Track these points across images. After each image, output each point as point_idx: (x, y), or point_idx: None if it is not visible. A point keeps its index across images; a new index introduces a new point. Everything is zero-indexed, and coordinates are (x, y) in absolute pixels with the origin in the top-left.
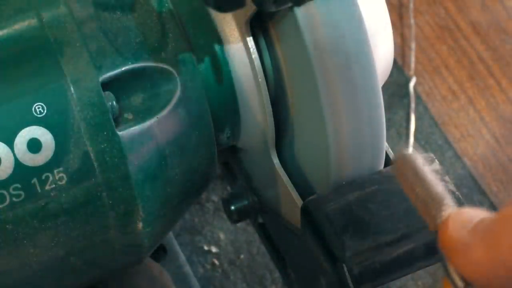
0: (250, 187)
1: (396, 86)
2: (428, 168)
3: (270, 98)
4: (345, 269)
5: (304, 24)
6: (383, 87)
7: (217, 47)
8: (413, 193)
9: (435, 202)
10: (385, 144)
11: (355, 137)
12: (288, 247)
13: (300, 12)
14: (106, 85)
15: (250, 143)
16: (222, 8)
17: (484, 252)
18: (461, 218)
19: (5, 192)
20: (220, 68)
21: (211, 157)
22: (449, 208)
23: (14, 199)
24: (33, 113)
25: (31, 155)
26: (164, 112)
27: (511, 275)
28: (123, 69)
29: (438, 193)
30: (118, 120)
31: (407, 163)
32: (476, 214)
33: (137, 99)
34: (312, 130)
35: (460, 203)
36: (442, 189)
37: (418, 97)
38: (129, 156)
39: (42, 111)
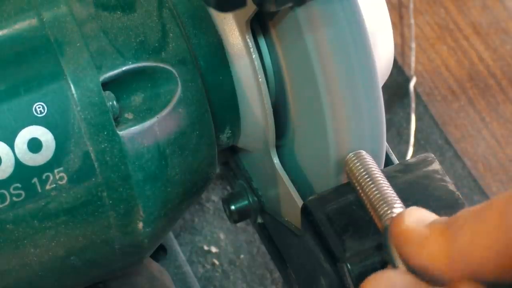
0: (250, 187)
1: (396, 86)
2: (378, 169)
3: (270, 98)
4: (346, 269)
5: (304, 24)
6: (383, 87)
7: (217, 47)
8: (363, 192)
9: (385, 202)
10: (385, 144)
11: (355, 137)
12: (288, 247)
13: (300, 12)
14: (106, 85)
15: (250, 143)
16: (223, 8)
17: (441, 245)
18: (416, 214)
19: (5, 192)
20: (220, 68)
21: (211, 157)
22: (399, 208)
23: (14, 198)
24: (33, 113)
25: (32, 155)
26: (165, 112)
27: (466, 271)
28: (123, 69)
29: (387, 194)
30: (119, 120)
31: (358, 162)
32: (429, 215)
33: (137, 99)
34: (312, 130)
35: (460, 203)
36: (392, 191)
37: (418, 97)
38: (129, 156)
39: (42, 110)
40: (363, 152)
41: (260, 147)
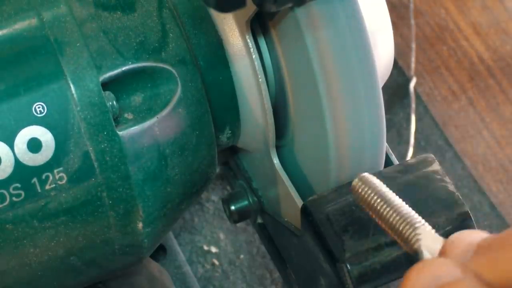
0: (250, 187)
1: (396, 86)
2: (388, 189)
3: (270, 98)
4: (345, 269)
5: (304, 24)
6: (383, 87)
7: (217, 47)
8: (378, 216)
9: (406, 224)
10: (385, 145)
11: (355, 137)
12: (288, 247)
13: (300, 12)
14: (106, 85)
15: (250, 143)
16: (223, 8)
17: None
18: (458, 245)
19: (5, 192)
20: (220, 68)
21: (211, 157)
22: (422, 227)
23: (14, 198)
24: (33, 113)
25: (31, 155)
26: (164, 112)
27: None
28: (123, 69)
29: (406, 213)
30: (118, 120)
31: (366, 187)
32: (474, 235)
33: (137, 99)
34: (312, 130)
35: (460, 203)
36: (409, 209)
37: (418, 97)
38: (129, 156)
39: (42, 110)
40: (367, 175)
41: (260, 147)
